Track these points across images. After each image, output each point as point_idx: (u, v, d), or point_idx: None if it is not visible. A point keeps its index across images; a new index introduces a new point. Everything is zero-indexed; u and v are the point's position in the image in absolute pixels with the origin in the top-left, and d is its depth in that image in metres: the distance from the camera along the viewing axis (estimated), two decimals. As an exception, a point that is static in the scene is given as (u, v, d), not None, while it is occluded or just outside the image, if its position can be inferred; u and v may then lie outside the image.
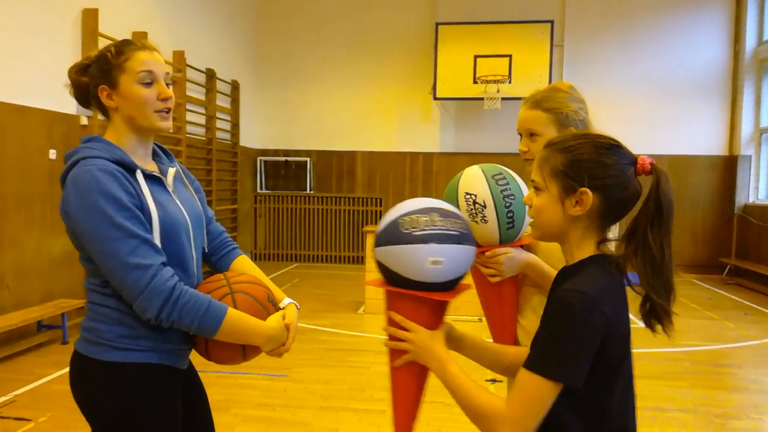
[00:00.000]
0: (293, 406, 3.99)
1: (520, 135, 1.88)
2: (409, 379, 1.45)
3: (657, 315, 1.27)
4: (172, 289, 1.48)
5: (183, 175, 1.78)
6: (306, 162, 10.48)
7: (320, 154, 10.54)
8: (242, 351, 1.62)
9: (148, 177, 1.59)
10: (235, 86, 9.53)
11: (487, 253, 1.71)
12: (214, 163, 8.71)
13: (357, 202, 10.46)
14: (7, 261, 5.03)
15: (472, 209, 1.64)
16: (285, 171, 10.55)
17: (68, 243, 5.24)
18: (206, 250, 1.80)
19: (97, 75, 1.60)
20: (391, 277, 1.41)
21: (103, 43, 5.92)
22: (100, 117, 5.72)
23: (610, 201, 1.28)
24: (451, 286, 1.42)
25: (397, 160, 10.39)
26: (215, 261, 1.84)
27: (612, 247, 1.33)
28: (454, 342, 1.50)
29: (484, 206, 1.63)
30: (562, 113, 1.80)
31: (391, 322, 1.44)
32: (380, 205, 10.40)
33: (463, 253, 1.40)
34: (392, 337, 1.44)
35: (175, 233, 1.59)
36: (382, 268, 1.43)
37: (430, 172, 10.33)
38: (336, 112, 10.47)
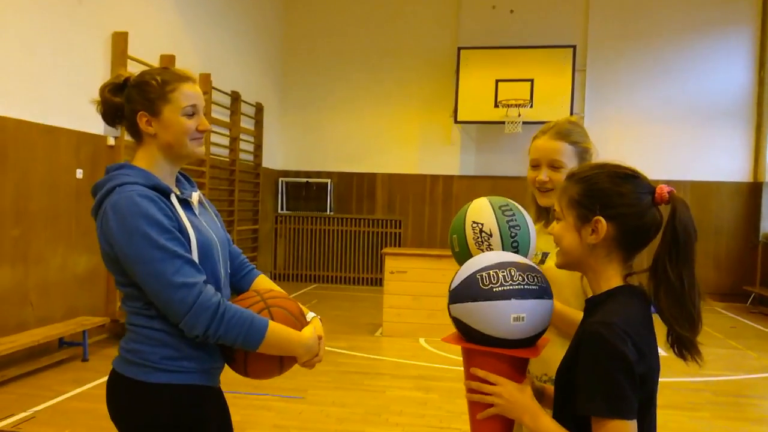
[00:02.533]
0: (309, 428, 3.99)
1: (537, 165, 1.90)
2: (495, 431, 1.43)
3: (683, 345, 1.27)
4: (218, 305, 1.52)
5: (204, 201, 1.84)
6: (327, 183, 10.55)
7: (341, 175, 10.62)
8: (279, 363, 1.66)
9: (181, 201, 1.65)
10: (259, 108, 9.67)
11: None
12: (237, 183, 8.81)
13: (377, 223, 10.49)
14: (32, 277, 5.13)
15: (478, 237, 1.67)
16: (306, 192, 10.64)
17: (92, 261, 5.33)
18: (228, 271, 1.84)
19: (138, 101, 1.63)
20: (470, 333, 1.40)
21: (132, 66, 6.09)
22: (127, 137, 5.81)
23: (625, 229, 1.29)
24: (533, 342, 1.41)
25: (418, 183, 10.42)
26: (236, 282, 1.88)
27: (639, 277, 1.34)
28: (536, 395, 1.49)
29: (490, 235, 1.66)
30: (584, 148, 1.86)
31: (474, 377, 1.41)
32: (400, 227, 10.41)
33: (544, 307, 1.39)
34: (473, 390, 1.41)
35: (209, 253, 1.64)
36: (460, 324, 1.42)
37: (450, 194, 10.34)
38: (357, 134, 10.56)
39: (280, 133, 10.71)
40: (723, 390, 5.09)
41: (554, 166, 1.85)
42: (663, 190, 1.29)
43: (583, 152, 1.86)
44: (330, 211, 10.57)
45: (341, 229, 10.56)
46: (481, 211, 1.71)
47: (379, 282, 9.86)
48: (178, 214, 1.60)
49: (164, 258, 1.49)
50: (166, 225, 1.53)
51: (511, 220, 1.67)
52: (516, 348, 1.38)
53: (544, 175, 1.87)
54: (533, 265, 1.45)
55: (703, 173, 9.58)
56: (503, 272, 1.38)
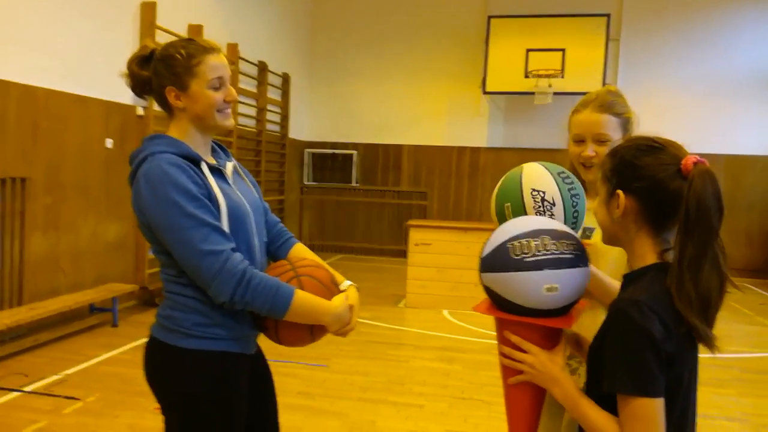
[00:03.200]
0: (332, 396, 4.04)
1: (581, 140, 1.84)
2: (526, 398, 1.43)
3: (689, 327, 1.22)
4: (244, 272, 1.54)
5: (240, 170, 1.86)
6: (352, 155, 10.54)
7: (367, 147, 10.58)
8: (310, 331, 1.68)
9: (212, 169, 1.67)
10: (285, 79, 9.65)
11: None
12: (263, 154, 8.84)
13: (402, 195, 10.47)
14: (63, 245, 5.24)
15: (540, 207, 1.56)
16: (331, 163, 10.64)
17: (122, 229, 5.42)
18: (265, 240, 1.87)
19: (165, 76, 1.64)
20: (501, 303, 1.38)
21: (160, 36, 6.10)
22: (155, 108, 5.85)
23: (648, 202, 1.26)
24: (566, 310, 1.38)
25: (444, 154, 10.34)
26: (273, 250, 1.91)
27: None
28: (573, 344, 1.49)
29: (553, 204, 1.56)
30: (627, 118, 1.80)
31: (507, 342, 1.41)
32: (425, 199, 10.38)
33: (579, 276, 1.36)
34: (505, 355, 1.42)
35: (240, 220, 1.66)
36: (491, 293, 1.40)
37: (477, 167, 10.25)
38: (384, 105, 10.48)
39: (307, 104, 10.68)
40: (751, 367, 5.02)
41: (600, 140, 1.79)
42: (688, 160, 1.23)
43: (626, 123, 1.80)
44: (355, 182, 10.57)
45: (366, 201, 10.56)
46: (540, 177, 1.60)
47: (403, 254, 9.84)
48: (208, 182, 1.62)
49: (192, 226, 1.52)
50: (194, 193, 1.55)
51: (572, 189, 1.58)
52: (549, 317, 1.35)
53: (590, 150, 1.80)
54: (568, 231, 1.41)
55: (738, 147, 9.32)
56: (536, 241, 1.34)
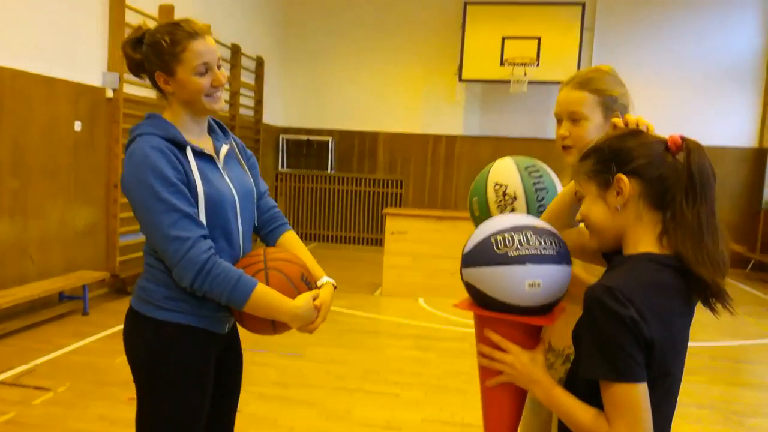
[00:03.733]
0: (308, 385, 4.02)
1: (559, 120, 1.69)
2: (506, 398, 1.40)
3: (704, 290, 1.22)
4: (206, 262, 1.58)
5: (237, 151, 1.87)
6: (328, 141, 10.45)
7: (342, 134, 10.50)
8: (272, 324, 1.70)
9: (198, 154, 1.69)
10: (259, 62, 9.50)
11: None
12: (237, 139, 8.70)
13: (378, 183, 10.43)
14: (31, 231, 5.10)
15: (501, 201, 1.56)
16: (307, 150, 10.54)
17: (92, 215, 5.31)
18: (255, 224, 1.90)
19: (153, 61, 1.68)
20: (482, 300, 1.35)
21: (130, 16, 5.94)
22: (126, 90, 5.73)
23: (648, 181, 1.24)
24: (548, 309, 1.35)
25: (420, 142, 10.31)
26: (264, 235, 1.95)
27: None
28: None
29: (514, 198, 1.55)
30: (610, 96, 1.65)
31: (486, 341, 1.38)
32: (401, 188, 10.36)
33: (561, 274, 1.33)
34: (485, 355, 1.38)
35: (220, 207, 1.69)
36: (472, 289, 1.37)
37: (453, 155, 10.25)
38: (360, 92, 10.40)
39: (282, 89, 10.55)
40: (720, 355, 5.12)
41: (574, 118, 1.64)
42: (675, 137, 1.25)
43: (609, 101, 1.64)
44: (331, 169, 10.49)
45: (342, 188, 10.50)
46: (505, 171, 1.58)
47: (379, 242, 9.85)
48: (190, 168, 1.65)
49: (163, 210, 1.57)
50: (171, 178, 1.58)
51: (538, 183, 1.55)
52: (530, 315, 1.33)
53: (564, 129, 1.66)
54: (551, 228, 1.37)
55: (709, 138, 9.43)
56: (519, 235, 1.31)
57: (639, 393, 1.14)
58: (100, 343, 4.60)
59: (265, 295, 1.62)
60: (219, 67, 1.71)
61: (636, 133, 1.29)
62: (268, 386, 3.90)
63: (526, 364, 1.32)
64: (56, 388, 3.73)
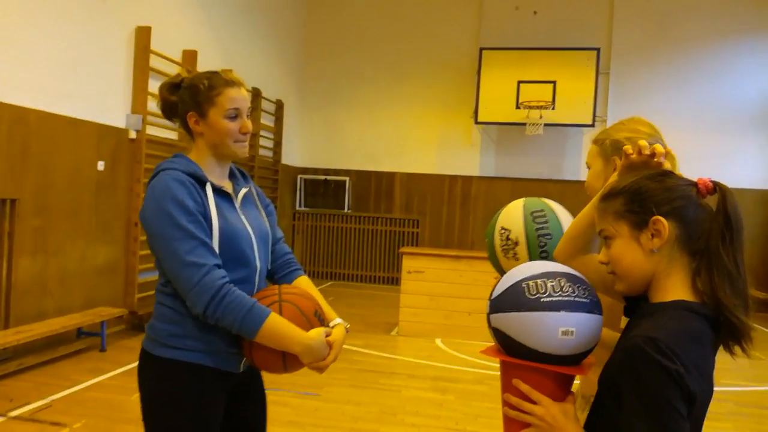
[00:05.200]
0: (324, 426, 3.97)
1: None
2: None
3: (735, 334, 1.19)
4: (220, 288, 1.60)
5: (255, 197, 1.93)
6: (345, 181, 10.54)
7: (359, 174, 10.60)
8: (282, 359, 1.68)
9: (218, 191, 1.75)
10: (279, 105, 9.68)
11: None
12: (256, 179, 8.81)
13: (394, 222, 10.46)
14: (52, 268, 5.16)
15: (505, 245, 1.56)
16: (324, 189, 10.64)
17: (111, 253, 5.37)
18: (269, 269, 1.91)
19: (188, 102, 1.77)
20: (511, 347, 1.29)
21: (154, 60, 6.11)
22: (148, 131, 5.86)
23: (686, 223, 1.21)
24: (578, 360, 1.29)
25: (436, 183, 10.37)
26: (277, 279, 1.95)
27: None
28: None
29: (516, 243, 1.55)
30: (604, 144, 1.70)
31: (513, 390, 1.30)
32: (417, 227, 10.37)
33: (594, 323, 1.27)
34: (512, 406, 1.30)
35: (235, 242, 1.72)
36: (501, 336, 1.31)
37: (469, 195, 10.28)
38: (377, 133, 10.53)
39: (300, 131, 10.72)
40: (746, 401, 4.99)
41: (587, 167, 1.79)
42: (705, 180, 1.24)
43: (604, 150, 1.69)
44: (348, 209, 10.56)
45: (359, 228, 10.54)
46: (511, 215, 1.60)
47: (395, 281, 9.82)
48: (207, 202, 1.69)
49: (181, 237, 1.61)
50: (190, 208, 1.63)
51: (542, 228, 1.55)
52: (560, 365, 1.26)
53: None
54: (582, 277, 1.34)
55: (727, 180, 9.30)
56: (552, 282, 1.27)
57: None
58: (116, 380, 4.60)
59: (277, 325, 1.62)
60: (248, 116, 1.79)
61: (667, 174, 1.26)
62: (283, 426, 3.86)
63: (557, 417, 1.24)
64: (72, 424, 3.72)
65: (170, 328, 1.68)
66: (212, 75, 1.78)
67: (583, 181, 1.78)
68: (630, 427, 1.11)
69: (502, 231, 1.58)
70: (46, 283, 5.11)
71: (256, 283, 1.79)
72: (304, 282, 1.95)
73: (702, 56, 9.60)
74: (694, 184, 1.24)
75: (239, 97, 1.76)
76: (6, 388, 4.26)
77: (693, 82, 9.60)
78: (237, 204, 1.81)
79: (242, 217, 1.80)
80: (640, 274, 1.24)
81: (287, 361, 1.68)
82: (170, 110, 1.83)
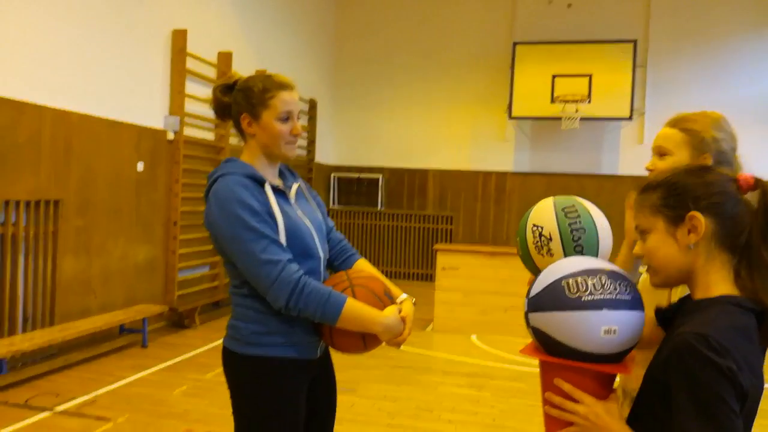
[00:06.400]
0: (361, 422, 3.99)
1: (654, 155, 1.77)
2: None
3: None
4: (298, 281, 1.67)
5: (305, 191, 2.00)
6: (378, 179, 10.56)
7: (392, 171, 10.61)
8: (363, 340, 1.77)
9: (275, 190, 1.81)
10: (312, 104, 9.75)
11: None
12: (290, 178, 8.89)
13: (428, 219, 10.44)
14: (95, 267, 5.30)
15: (538, 242, 1.56)
16: (357, 187, 10.68)
17: (151, 251, 5.49)
18: (328, 257, 1.99)
19: (242, 104, 1.82)
20: (552, 346, 1.28)
21: (191, 63, 6.22)
22: (186, 133, 5.95)
23: (724, 219, 1.19)
24: (620, 358, 1.28)
25: (469, 179, 10.32)
26: (337, 266, 2.03)
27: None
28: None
29: (550, 239, 1.54)
30: (701, 137, 1.65)
31: (555, 389, 1.29)
32: (451, 223, 10.34)
33: (637, 319, 1.25)
34: (553, 405, 1.29)
35: (300, 237, 1.79)
36: (541, 335, 1.29)
37: (503, 191, 10.20)
38: (410, 130, 10.52)
39: (333, 129, 10.77)
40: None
41: (661, 152, 1.71)
42: (746, 175, 1.20)
43: (698, 141, 1.65)
44: (381, 206, 10.58)
45: (392, 225, 10.55)
46: (542, 212, 1.60)
47: (430, 278, 9.81)
48: (269, 201, 1.76)
49: (253, 238, 1.67)
50: (256, 209, 1.70)
51: (575, 223, 1.54)
52: (602, 363, 1.25)
53: (651, 162, 1.74)
54: (623, 272, 1.32)
55: (764, 175, 9.15)
56: (593, 279, 1.25)
57: None
58: (158, 375, 4.70)
59: (356, 308, 1.70)
60: (298, 119, 1.85)
61: (707, 169, 1.24)
62: (320, 421, 3.89)
63: (601, 416, 1.23)
64: (116, 418, 3.81)
65: (253, 327, 1.76)
66: (266, 78, 1.83)
67: (621, 176, 1.75)
68: (682, 426, 1.09)
69: (534, 228, 1.58)
70: (89, 281, 5.25)
71: (321, 272, 1.87)
72: (365, 264, 2.03)
73: (741, 47, 9.34)
74: (735, 180, 1.21)
75: (291, 100, 1.82)
76: (52, 383, 4.40)
77: (732, 74, 9.35)
78: (292, 200, 1.88)
79: (299, 212, 1.87)
80: (676, 268, 1.23)
81: (367, 341, 1.78)
82: (223, 111, 1.87)
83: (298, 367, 1.80)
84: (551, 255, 1.56)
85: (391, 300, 1.82)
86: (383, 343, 1.79)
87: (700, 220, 1.19)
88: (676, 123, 1.72)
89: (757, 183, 1.20)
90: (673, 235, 1.22)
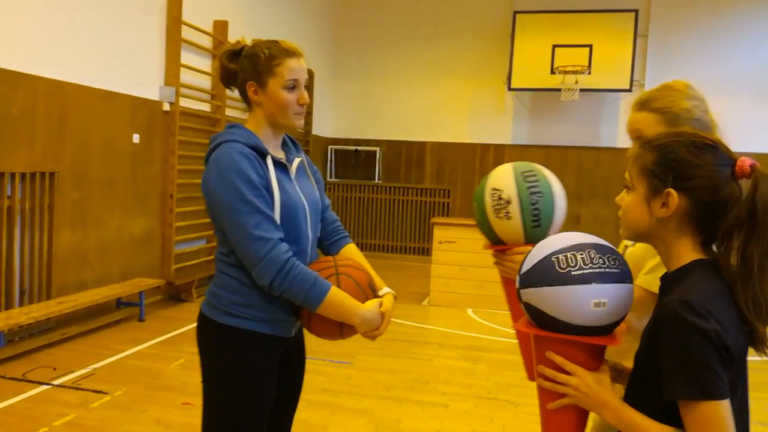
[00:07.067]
0: (357, 393, 4.03)
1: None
2: (568, 422, 1.35)
3: (751, 338, 1.18)
4: (286, 262, 1.66)
5: (306, 166, 1.96)
6: (375, 152, 10.51)
7: (390, 144, 10.55)
8: (339, 328, 1.77)
9: (276, 163, 1.78)
10: (309, 75, 9.63)
11: (507, 252, 1.65)
12: (287, 150, 8.84)
13: (425, 193, 10.42)
14: (91, 240, 5.29)
15: (496, 205, 1.60)
16: (354, 160, 10.63)
17: (148, 224, 5.47)
18: (319, 236, 1.97)
19: (248, 71, 1.78)
20: (544, 320, 1.31)
21: (186, 32, 6.12)
22: (181, 104, 5.86)
23: (699, 204, 1.20)
24: (610, 330, 1.31)
25: (467, 152, 10.27)
26: (327, 246, 2.01)
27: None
28: (612, 372, 1.40)
29: (509, 202, 1.58)
30: (672, 112, 1.64)
31: (547, 362, 1.33)
32: (448, 197, 10.32)
33: (625, 292, 1.29)
34: (546, 377, 1.33)
35: (293, 214, 1.77)
36: (533, 310, 1.32)
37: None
38: (407, 102, 10.44)
39: (331, 101, 10.68)
40: (785, 371, 4.89)
41: (639, 137, 1.65)
42: (744, 162, 1.19)
43: (671, 117, 1.62)
44: (378, 179, 10.55)
45: (389, 198, 10.53)
46: (501, 176, 1.64)
47: (426, 251, 9.82)
48: (269, 175, 1.73)
49: (248, 211, 1.65)
50: (255, 182, 1.67)
51: (533, 187, 1.58)
52: (593, 336, 1.29)
53: (632, 150, 1.73)
54: (612, 246, 1.35)
55: (764, 145, 9.11)
56: (582, 254, 1.28)
57: (725, 410, 1.10)
58: (155, 349, 4.72)
59: (338, 298, 1.70)
60: (305, 87, 1.80)
61: (709, 148, 1.22)
62: (317, 393, 3.93)
63: (592, 387, 1.27)
64: (114, 391, 3.84)
65: (234, 298, 1.74)
66: (273, 44, 1.78)
67: (620, 149, 1.74)
68: (671, 393, 1.13)
69: (493, 191, 1.61)
70: (85, 254, 5.24)
71: (309, 252, 1.85)
72: (353, 250, 2.02)
73: (743, 20, 9.22)
74: (732, 164, 1.20)
75: (299, 68, 1.78)
76: (50, 357, 4.42)
77: (733, 47, 9.25)
78: (293, 175, 1.85)
79: (297, 188, 1.84)
80: (643, 232, 1.30)
81: (344, 330, 1.78)
82: (229, 78, 1.83)
83: (273, 342, 1.80)
84: (509, 218, 1.61)
85: (374, 292, 1.82)
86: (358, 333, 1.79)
87: (674, 198, 1.21)
88: (643, 105, 1.67)
89: (753, 171, 1.19)
90: (648, 202, 1.25)
